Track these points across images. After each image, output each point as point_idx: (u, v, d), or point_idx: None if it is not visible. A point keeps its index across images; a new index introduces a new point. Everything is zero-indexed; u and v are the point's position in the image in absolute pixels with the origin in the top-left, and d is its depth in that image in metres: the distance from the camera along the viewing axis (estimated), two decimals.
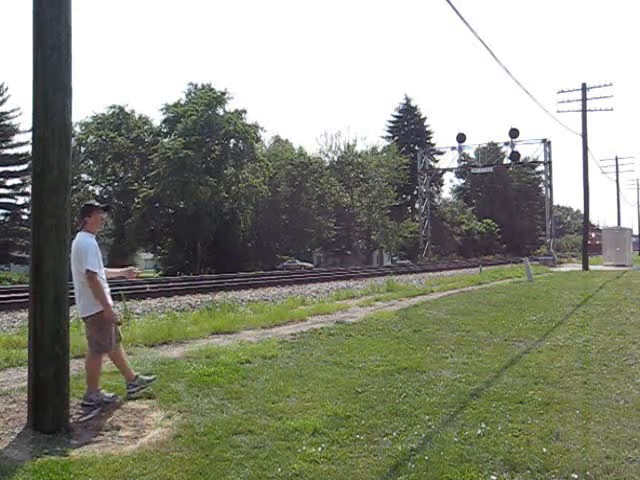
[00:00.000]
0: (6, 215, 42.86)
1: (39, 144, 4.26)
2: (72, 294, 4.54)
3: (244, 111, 47.11)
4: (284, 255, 52.12)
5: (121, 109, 50.52)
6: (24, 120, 42.75)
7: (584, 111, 32.32)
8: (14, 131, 42.83)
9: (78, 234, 4.85)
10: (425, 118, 72.32)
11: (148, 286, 17.84)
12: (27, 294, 4.50)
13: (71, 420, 4.36)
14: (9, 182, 43.25)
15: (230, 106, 47.10)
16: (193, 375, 5.69)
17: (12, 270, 37.13)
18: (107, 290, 4.88)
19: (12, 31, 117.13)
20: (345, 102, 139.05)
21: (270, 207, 50.88)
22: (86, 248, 4.74)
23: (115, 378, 5.39)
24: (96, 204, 5.14)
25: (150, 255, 54.24)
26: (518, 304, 12.77)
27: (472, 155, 66.67)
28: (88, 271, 4.68)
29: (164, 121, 49.15)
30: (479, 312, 11.25)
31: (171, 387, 5.29)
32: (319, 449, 3.79)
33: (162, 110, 48.74)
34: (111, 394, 4.93)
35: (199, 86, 47.96)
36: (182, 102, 47.71)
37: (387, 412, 4.59)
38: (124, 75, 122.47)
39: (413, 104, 72.16)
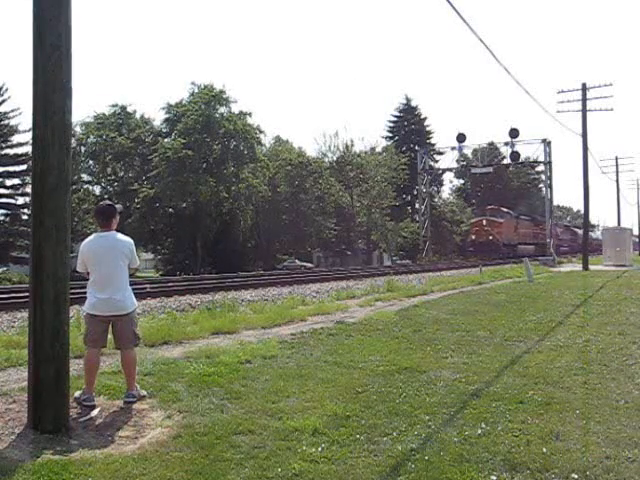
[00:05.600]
0: (6, 215, 42.70)
1: (39, 144, 4.25)
2: (72, 293, 4.52)
3: (249, 113, 47.18)
4: (284, 255, 52.14)
5: (123, 108, 50.44)
6: (24, 120, 42.70)
7: (584, 111, 32.28)
8: (14, 131, 42.72)
9: (115, 232, 4.97)
10: (425, 118, 72.10)
11: (148, 286, 17.81)
12: (27, 294, 4.50)
13: (71, 420, 4.35)
14: (9, 182, 43.13)
15: (235, 109, 47.21)
16: (193, 375, 5.68)
17: (12, 270, 37.05)
18: None
19: (12, 31, 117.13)
20: (345, 102, 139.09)
21: (270, 207, 50.86)
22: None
23: (115, 378, 5.40)
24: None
25: (150, 255, 54.20)
26: (518, 304, 12.76)
27: (472, 155, 66.63)
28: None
29: (165, 121, 49.17)
30: (479, 312, 11.24)
31: (171, 387, 5.29)
32: (319, 449, 3.78)
33: (164, 109, 48.82)
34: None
35: (201, 87, 47.95)
36: (184, 102, 47.70)
37: (387, 412, 4.59)
38: (127, 76, 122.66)
39: (413, 104, 71.85)
